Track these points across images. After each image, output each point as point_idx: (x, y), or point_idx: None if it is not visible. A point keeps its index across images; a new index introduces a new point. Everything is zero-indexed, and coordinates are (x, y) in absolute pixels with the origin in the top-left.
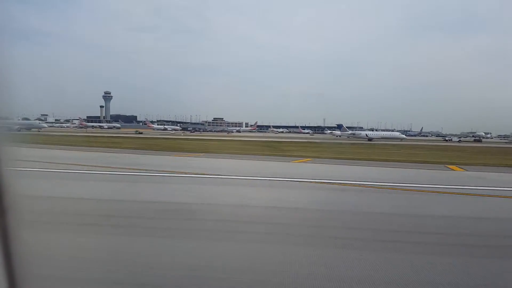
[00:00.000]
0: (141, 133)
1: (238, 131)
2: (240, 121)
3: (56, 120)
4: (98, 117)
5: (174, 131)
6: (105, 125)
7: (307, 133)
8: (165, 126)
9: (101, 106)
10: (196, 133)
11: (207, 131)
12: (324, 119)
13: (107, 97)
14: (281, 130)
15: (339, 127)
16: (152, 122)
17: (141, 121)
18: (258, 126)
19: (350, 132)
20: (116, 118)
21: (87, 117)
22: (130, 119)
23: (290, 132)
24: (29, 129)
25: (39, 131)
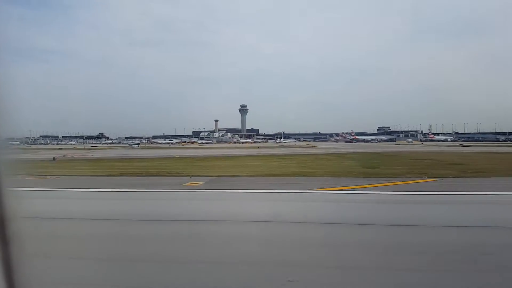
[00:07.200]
0: None
1: (446, 140)
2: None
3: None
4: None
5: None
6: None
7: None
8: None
9: (216, 120)
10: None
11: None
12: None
13: (243, 110)
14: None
15: None
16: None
17: (278, 134)
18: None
19: None
20: (230, 131)
21: (192, 132)
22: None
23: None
24: None
25: None
